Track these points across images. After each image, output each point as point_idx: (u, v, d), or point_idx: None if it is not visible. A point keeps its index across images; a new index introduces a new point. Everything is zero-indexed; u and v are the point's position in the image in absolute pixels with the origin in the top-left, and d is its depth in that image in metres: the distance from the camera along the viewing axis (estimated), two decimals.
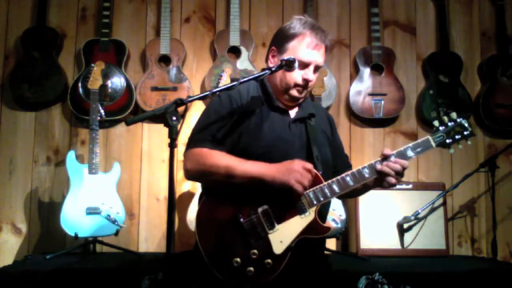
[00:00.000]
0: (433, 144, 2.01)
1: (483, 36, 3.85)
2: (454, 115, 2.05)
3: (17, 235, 3.51)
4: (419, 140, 2.01)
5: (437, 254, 3.26)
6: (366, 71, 3.67)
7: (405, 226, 3.28)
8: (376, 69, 3.68)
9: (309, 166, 1.84)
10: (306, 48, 1.98)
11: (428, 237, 3.28)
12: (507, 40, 3.75)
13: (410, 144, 1.99)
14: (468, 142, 2.06)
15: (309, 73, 1.99)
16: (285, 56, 1.97)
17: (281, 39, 2.03)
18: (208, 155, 1.92)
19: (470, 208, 3.68)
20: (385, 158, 1.95)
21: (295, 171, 1.82)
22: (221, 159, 1.90)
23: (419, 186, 3.41)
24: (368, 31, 3.78)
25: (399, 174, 1.93)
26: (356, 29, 3.83)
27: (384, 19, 3.83)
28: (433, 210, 3.32)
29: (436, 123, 2.04)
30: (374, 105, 3.61)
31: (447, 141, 2.02)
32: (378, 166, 1.93)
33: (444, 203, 3.36)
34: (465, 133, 2.04)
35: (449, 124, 2.04)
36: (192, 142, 1.98)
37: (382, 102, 3.60)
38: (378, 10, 3.72)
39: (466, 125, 2.04)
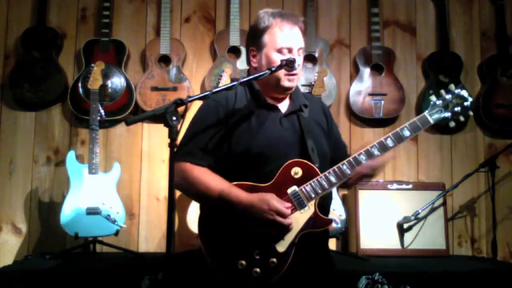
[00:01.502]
0: (430, 120, 1.94)
1: (483, 36, 3.85)
2: (452, 86, 1.96)
3: (17, 235, 3.51)
4: (415, 118, 1.96)
5: (437, 254, 3.25)
6: (366, 71, 3.67)
7: (405, 226, 3.28)
8: (376, 69, 3.68)
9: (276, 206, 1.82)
10: (282, 34, 1.97)
11: (428, 237, 3.28)
12: (507, 40, 3.75)
13: (407, 124, 1.95)
14: (470, 113, 1.95)
15: (295, 57, 1.96)
16: (266, 50, 1.97)
17: (255, 36, 2.02)
18: (190, 172, 1.91)
19: (470, 208, 3.68)
20: (367, 151, 1.95)
21: (265, 212, 1.81)
22: (203, 178, 1.89)
23: (419, 186, 3.41)
24: (368, 31, 3.78)
25: (379, 170, 1.99)
26: (356, 29, 3.83)
27: (384, 19, 3.83)
28: (433, 210, 3.32)
29: (433, 97, 1.95)
30: (374, 105, 3.61)
31: (446, 114, 1.93)
32: (358, 168, 1.93)
33: (444, 203, 3.36)
34: (465, 104, 1.93)
35: (447, 96, 1.95)
36: (178, 156, 1.95)
37: (382, 102, 3.60)
38: (378, 10, 3.72)
39: (466, 95, 1.94)
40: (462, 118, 1.96)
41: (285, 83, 1.98)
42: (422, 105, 3.66)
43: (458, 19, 3.87)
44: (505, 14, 3.77)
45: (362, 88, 3.65)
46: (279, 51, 1.95)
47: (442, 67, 3.69)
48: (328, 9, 3.84)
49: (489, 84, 3.67)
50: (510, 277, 2.80)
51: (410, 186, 3.37)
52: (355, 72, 3.73)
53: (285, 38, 1.97)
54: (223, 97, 1.99)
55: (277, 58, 1.95)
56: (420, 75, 3.81)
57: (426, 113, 1.96)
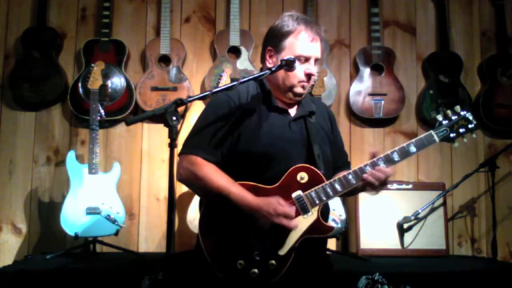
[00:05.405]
0: (437, 139, 1.99)
1: (483, 36, 3.85)
2: (458, 108, 2.02)
3: (17, 235, 3.51)
4: (421, 136, 1.99)
5: (437, 254, 3.26)
6: (366, 71, 3.67)
7: (405, 226, 3.28)
8: (376, 69, 3.68)
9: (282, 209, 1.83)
10: (303, 43, 1.97)
11: (428, 237, 3.28)
12: (507, 40, 3.75)
13: (413, 140, 1.98)
14: (473, 135, 2.03)
15: (311, 67, 1.99)
16: (284, 54, 1.97)
17: (276, 37, 2.02)
18: (200, 167, 1.90)
19: (470, 208, 3.68)
20: (373, 162, 1.94)
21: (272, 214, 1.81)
22: (212, 177, 1.88)
23: (419, 186, 3.41)
24: (368, 31, 3.78)
25: (382, 183, 1.92)
26: (356, 29, 3.83)
27: (384, 19, 3.83)
28: (433, 210, 3.32)
29: (439, 117, 2.01)
30: (374, 105, 3.61)
31: (451, 135, 1.99)
32: (365, 175, 1.91)
33: (444, 203, 3.36)
34: (470, 126, 2.00)
35: (453, 117, 2.01)
36: (187, 147, 1.96)
37: (382, 102, 3.60)
38: (378, 10, 3.72)
39: (471, 118, 2.01)
40: (465, 140, 2.02)
41: (298, 89, 2.00)
42: (422, 105, 3.66)
43: (458, 19, 3.87)
44: (505, 14, 3.77)
45: (362, 88, 3.65)
46: (297, 57, 1.95)
47: (442, 67, 3.69)
48: (328, 9, 3.84)
49: (489, 84, 3.67)
50: (510, 277, 2.80)
51: (410, 186, 3.37)
52: (355, 72, 3.73)
53: (305, 47, 1.97)
54: (235, 92, 1.99)
55: None
56: (420, 75, 3.81)
57: (432, 132, 2.00)
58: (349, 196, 2.14)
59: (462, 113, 2.01)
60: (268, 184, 1.89)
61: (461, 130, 2.00)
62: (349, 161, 2.27)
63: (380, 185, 1.92)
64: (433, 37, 3.84)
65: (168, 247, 1.66)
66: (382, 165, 1.93)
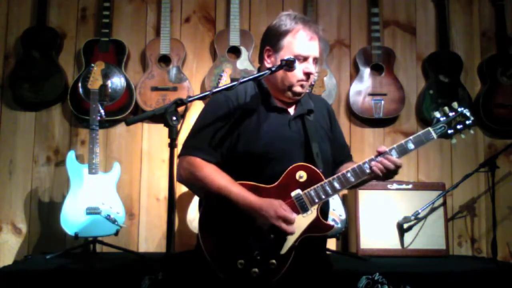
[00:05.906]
0: (434, 135, 1.98)
1: (483, 36, 3.85)
2: (455, 104, 2.02)
3: (17, 235, 3.51)
4: (419, 132, 2.00)
5: (437, 254, 3.25)
6: (366, 71, 3.67)
7: (405, 226, 3.28)
8: (376, 69, 3.68)
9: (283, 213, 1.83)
10: (302, 42, 1.97)
11: (428, 237, 3.28)
12: (507, 40, 3.75)
13: (411, 137, 1.98)
14: (471, 131, 2.03)
15: (309, 66, 1.98)
16: (282, 54, 1.97)
17: (274, 37, 2.01)
18: (200, 167, 1.90)
19: (470, 208, 3.68)
20: (379, 155, 1.94)
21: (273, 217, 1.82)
22: (213, 177, 1.88)
23: (419, 186, 3.41)
24: (368, 31, 3.78)
25: (392, 172, 1.92)
26: (356, 29, 3.83)
27: (384, 19, 3.83)
28: (433, 210, 3.32)
29: (437, 114, 2.02)
30: (374, 105, 3.61)
31: (449, 131, 2.00)
32: (373, 163, 1.92)
33: (444, 203, 3.36)
34: (467, 122, 2.01)
35: (450, 114, 2.01)
36: (186, 148, 1.97)
37: (382, 102, 3.61)
38: (378, 10, 3.72)
39: (468, 114, 2.01)
40: (463, 136, 2.03)
41: (297, 88, 1.99)
42: (422, 105, 3.66)
43: (458, 19, 3.87)
44: (505, 14, 3.77)
45: (362, 88, 3.65)
46: (295, 57, 1.94)
47: (442, 67, 3.69)
48: (328, 9, 3.84)
49: (489, 84, 3.67)
50: (510, 277, 2.80)
51: (410, 186, 3.37)
52: (355, 72, 3.73)
53: (304, 46, 1.97)
54: (233, 93, 1.99)
55: None
56: (420, 75, 3.81)
57: (430, 128, 2.00)
58: (358, 186, 2.14)
59: (460, 109, 2.01)
60: (267, 184, 1.89)
61: (458, 127, 2.01)
62: (351, 154, 2.26)
63: (389, 174, 1.92)
64: (433, 37, 3.84)
65: (168, 247, 1.66)
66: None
